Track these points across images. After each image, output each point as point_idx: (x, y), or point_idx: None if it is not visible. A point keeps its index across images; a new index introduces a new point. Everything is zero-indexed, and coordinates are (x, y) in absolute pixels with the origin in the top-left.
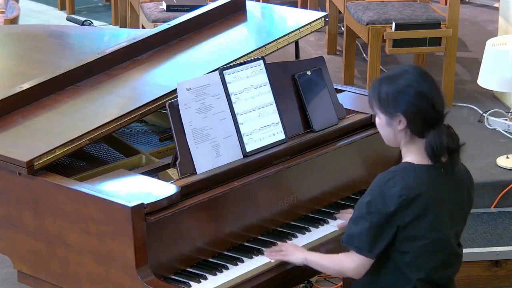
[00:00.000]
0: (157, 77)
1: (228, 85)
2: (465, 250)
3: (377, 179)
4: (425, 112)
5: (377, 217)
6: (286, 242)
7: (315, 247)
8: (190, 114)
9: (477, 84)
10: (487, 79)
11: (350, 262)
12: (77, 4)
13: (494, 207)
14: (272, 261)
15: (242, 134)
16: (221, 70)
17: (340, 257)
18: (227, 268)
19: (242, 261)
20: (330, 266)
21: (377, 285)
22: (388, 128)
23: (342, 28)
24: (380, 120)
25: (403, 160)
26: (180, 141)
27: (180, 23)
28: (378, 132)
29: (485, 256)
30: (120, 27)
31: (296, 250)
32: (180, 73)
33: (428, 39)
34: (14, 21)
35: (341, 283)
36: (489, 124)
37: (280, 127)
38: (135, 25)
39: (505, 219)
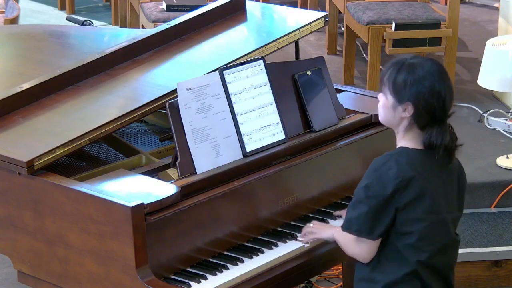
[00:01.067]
0: (157, 77)
1: (228, 85)
2: (465, 250)
3: (372, 164)
4: (434, 108)
5: (375, 200)
6: (300, 233)
7: (315, 247)
8: (190, 114)
9: (477, 84)
10: (487, 79)
11: (355, 247)
12: (77, 4)
13: (494, 207)
14: (273, 259)
15: (242, 134)
16: (221, 70)
17: (350, 240)
18: (227, 268)
19: (242, 261)
20: (344, 247)
21: (378, 269)
22: (392, 112)
23: (342, 28)
24: (387, 101)
25: (398, 145)
26: (180, 141)
27: (180, 23)
28: (378, 132)
29: (485, 256)
30: (120, 27)
31: (325, 228)
32: (180, 73)
33: (428, 39)
34: (14, 21)
35: (341, 283)
36: (489, 124)
37: (280, 127)
38: (135, 25)
39: (505, 219)
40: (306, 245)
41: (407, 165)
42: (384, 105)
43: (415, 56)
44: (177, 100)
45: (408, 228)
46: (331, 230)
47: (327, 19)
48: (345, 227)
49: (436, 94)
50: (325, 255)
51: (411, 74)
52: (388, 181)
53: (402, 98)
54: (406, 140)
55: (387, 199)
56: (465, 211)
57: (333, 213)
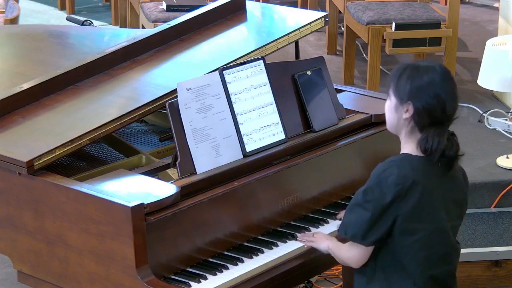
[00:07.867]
0: (157, 77)
1: (228, 85)
2: (465, 250)
3: (375, 169)
4: (434, 111)
5: (373, 205)
6: (308, 231)
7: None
8: (190, 114)
9: (477, 84)
10: (487, 79)
11: (347, 251)
12: (77, 4)
13: (494, 207)
14: (273, 259)
15: (242, 134)
16: (221, 70)
17: (343, 246)
18: (227, 268)
19: (242, 261)
20: (337, 255)
21: (375, 281)
22: (395, 113)
23: (342, 28)
24: (390, 102)
25: (401, 151)
26: (180, 141)
27: (180, 23)
28: (378, 132)
29: (485, 256)
30: (120, 27)
31: (324, 238)
32: (180, 73)
33: (428, 39)
34: (14, 21)
35: (341, 283)
36: (489, 124)
37: (280, 127)
38: (135, 25)
39: (505, 219)
40: (302, 244)
41: (408, 172)
42: (388, 107)
43: (424, 61)
44: (177, 100)
45: (407, 237)
46: (327, 241)
47: (327, 19)
48: (341, 231)
49: (437, 96)
50: (325, 255)
51: (416, 77)
52: (387, 188)
53: (403, 98)
54: (409, 146)
55: (385, 207)
56: None
57: (337, 216)
